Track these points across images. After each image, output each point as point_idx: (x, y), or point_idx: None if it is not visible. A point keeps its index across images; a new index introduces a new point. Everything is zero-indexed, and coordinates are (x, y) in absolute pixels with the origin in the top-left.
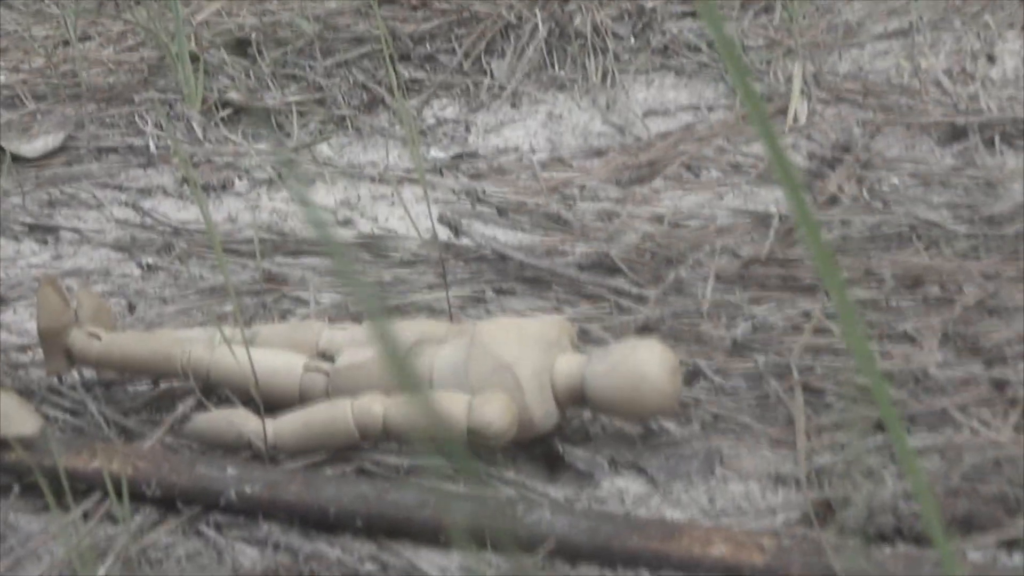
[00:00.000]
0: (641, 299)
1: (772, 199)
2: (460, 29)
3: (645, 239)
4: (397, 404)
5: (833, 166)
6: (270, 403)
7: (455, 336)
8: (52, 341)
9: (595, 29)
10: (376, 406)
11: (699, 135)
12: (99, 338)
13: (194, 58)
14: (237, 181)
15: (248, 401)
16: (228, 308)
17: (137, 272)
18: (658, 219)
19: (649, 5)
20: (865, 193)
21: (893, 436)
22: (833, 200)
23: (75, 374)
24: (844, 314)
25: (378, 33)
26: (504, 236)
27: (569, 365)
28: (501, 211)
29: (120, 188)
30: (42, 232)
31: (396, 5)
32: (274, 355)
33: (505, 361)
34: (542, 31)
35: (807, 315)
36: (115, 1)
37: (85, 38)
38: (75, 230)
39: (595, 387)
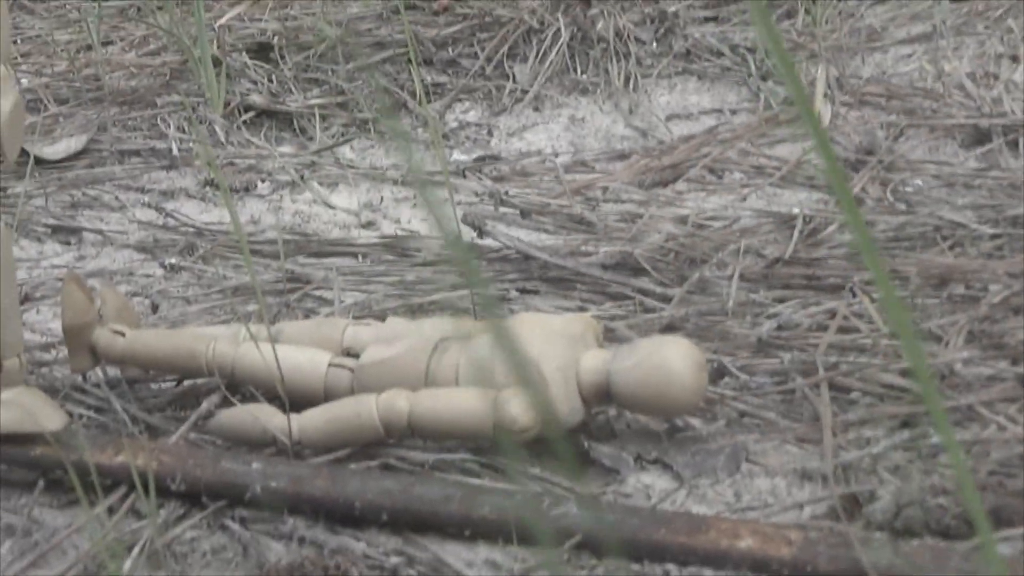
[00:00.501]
0: (665, 298)
1: (795, 200)
2: (482, 33)
3: (669, 239)
4: (422, 399)
5: (857, 168)
6: (295, 399)
7: (480, 333)
8: (76, 338)
9: (617, 34)
10: (401, 401)
11: (722, 138)
12: (123, 335)
13: (216, 62)
14: (260, 184)
15: (273, 398)
16: (252, 307)
17: (160, 272)
18: (681, 220)
19: (671, 10)
20: (889, 195)
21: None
22: (857, 201)
23: (99, 371)
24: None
25: (400, 37)
26: (527, 237)
27: (595, 361)
28: (524, 213)
29: (142, 190)
30: (65, 233)
31: (418, 10)
32: (299, 351)
33: (531, 357)
34: (564, 35)
35: (832, 314)
36: (137, 6)
37: (107, 43)
38: (98, 231)
39: (621, 383)
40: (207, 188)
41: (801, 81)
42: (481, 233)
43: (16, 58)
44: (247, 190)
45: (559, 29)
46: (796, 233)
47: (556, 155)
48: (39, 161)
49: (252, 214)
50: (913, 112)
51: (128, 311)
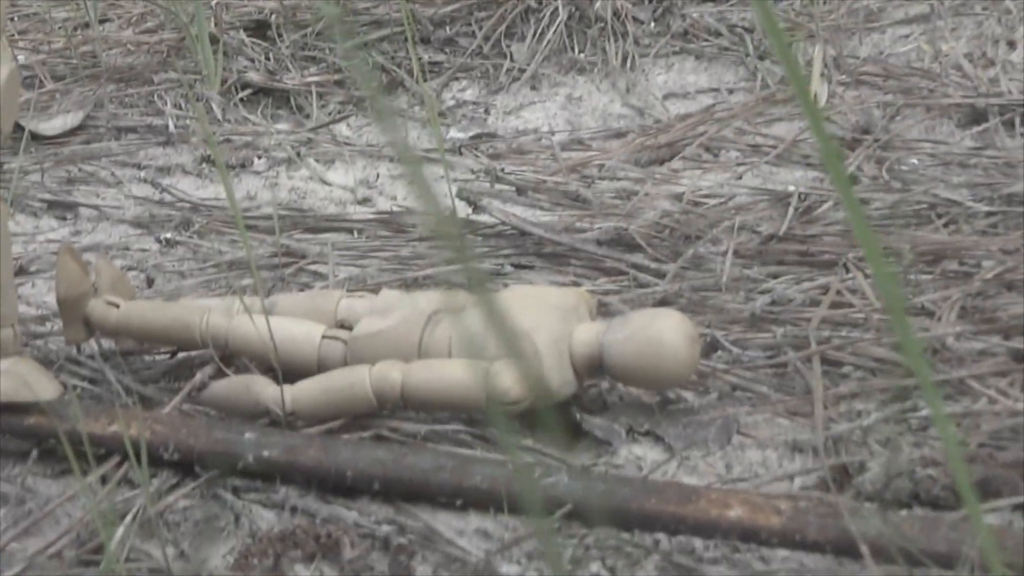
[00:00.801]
0: (660, 274)
1: (791, 179)
2: (480, 12)
3: (664, 216)
4: (415, 371)
5: (853, 147)
6: (288, 371)
7: (473, 306)
8: (71, 310)
9: (615, 13)
10: (394, 373)
11: (718, 117)
12: (117, 307)
13: (214, 40)
14: (256, 160)
15: (267, 370)
16: (247, 281)
17: (155, 247)
18: (677, 197)
19: None
20: (884, 173)
21: (929, 402)
22: (853, 180)
23: (93, 343)
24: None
25: (398, 16)
26: (523, 214)
27: (587, 334)
28: (520, 190)
29: (139, 166)
30: (61, 208)
31: None
32: (293, 323)
33: (524, 329)
34: (562, 14)
35: (825, 289)
36: None
37: (104, 20)
38: (94, 207)
39: (613, 355)
40: (203, 164)
41: (798, 60)
42: (476, 208)
43: (13, 35)
44: (243, 167)
45: (557, 8)
46: (791, 210)
47: (552, 133)
48: (35, 137)
49: (248, 190)
50: (910, 92)
51: (123, 283)
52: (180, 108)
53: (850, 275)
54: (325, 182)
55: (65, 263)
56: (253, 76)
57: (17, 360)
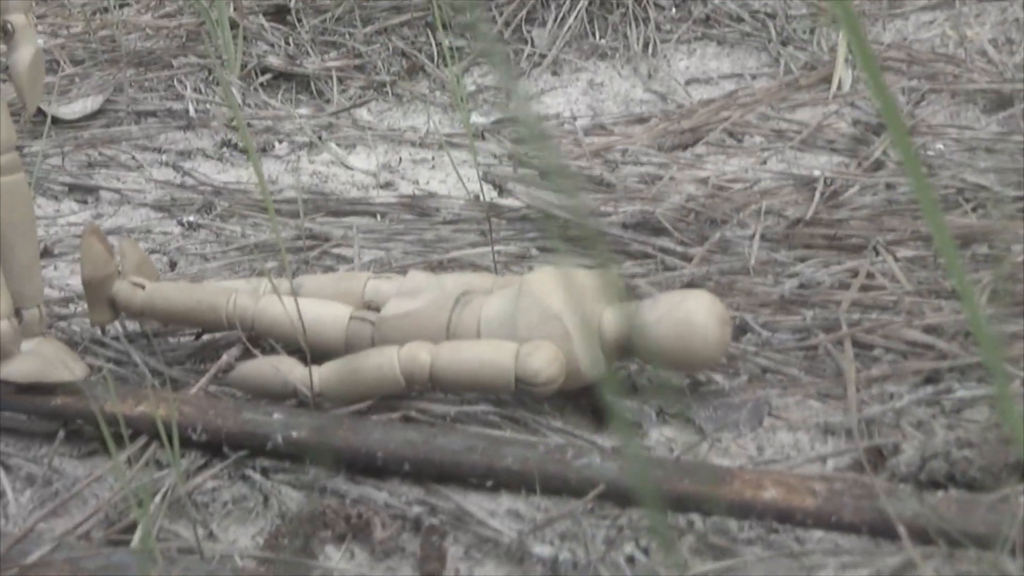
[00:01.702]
0: (687, 257)
1: (816, 164)
2: None
3: (689, 200)
4: (444, 352)
5: (878, 132)
6: (316, 352)
7: (502, 287)
8: (96, 291)
9: (635, 1)
10: (423, 354)
11: (742, 102)
12: (143, 288)
13: (233, 24)
14: (277, 144)
15: (294, 351)
16: (271, 264)
17: (178, 230)
18: (702, 182)
19: None
20: (918, 156)
21: (995, 380)
22: (878, 165)
23: (119, 325)
24: (939, 237)
25: (418, 2)
26: (547, 197)
27: (617, 315)
28: (543, 173)
29: (159, 150)
30: (82, 192)
31: None
32: (320, 304)
33: (553, 311)
34: (584, 2)
35: (854, 272)
36: None
37: (124, 4)
38: (115, 190)
39: (643, 336)
40: (224, 148)
41: (821, 46)
42: (502, 191)
43: (32, 19)
44: (264, 151)
45: None
46: (817, 195)
47: (575, 118)
48: (55, 121)
49: (270, 174)
50: (935, 77)
51: (147, 265)
52: (200, 92)
53: (880, 258)
54: (347, 166)
55: (90, 244)
56: (273, 60)
57: (42, 341)
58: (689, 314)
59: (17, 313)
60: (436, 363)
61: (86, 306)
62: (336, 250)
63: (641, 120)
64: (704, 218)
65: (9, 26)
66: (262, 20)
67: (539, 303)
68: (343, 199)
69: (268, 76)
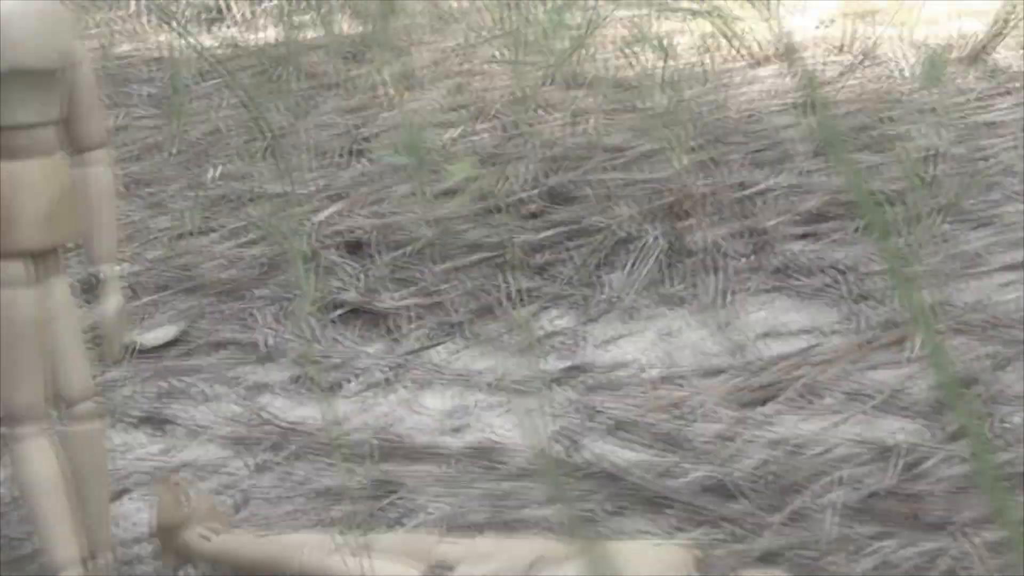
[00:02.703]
0: (760, 526)
1: (893, 428)
2: (574, 240)
3: (763, 464)
4: None
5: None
6: None
7: (578, 556)
8: (167, 537)
9: (711, 247)
10: None
11: (816, 360)
12: (213, 535)
13: (310, 257)
14: (347, 383)
15: None
16: (338, 511)
17: (247, 469)
18: (775, 444)
19: (766, 224)
20: (995, 428)
21: None
22: (956, 435)
23: (190, 570)
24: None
25: (492, 240)
26: (617, 452)
27: None
28: (618, 425)
29: (234, 382)
30: (154, 424)
31: (510, 213)
32: (390, 565)
33: None
34: (655, 246)
35: (935, 555)
36: (234, 199)
37: (204, 231)
38: (187, 424)
39: None
40: (297, 383)
41: (895, 304)
42: (572, 449)
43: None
44: (335, 388)
45: (653, 239)
46: (895, 466)
47: (647, 368)
48: (133, 348)
49: (340, 413)
50: (1017, 342)
51: (218, 513)
52: (276, 324)
53: (962, 541)
54: (418, 408)
55: (163, 494)
56: (348, 296)
57: None
58: None
59: (89, 557)
60: None
61: (157, 549)
62: (406, 500)
63: (714, 373)
64: (778, 485)
65: (99, 276)
66: (338, 253)
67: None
68: (414, 444)
69: (342, 310)
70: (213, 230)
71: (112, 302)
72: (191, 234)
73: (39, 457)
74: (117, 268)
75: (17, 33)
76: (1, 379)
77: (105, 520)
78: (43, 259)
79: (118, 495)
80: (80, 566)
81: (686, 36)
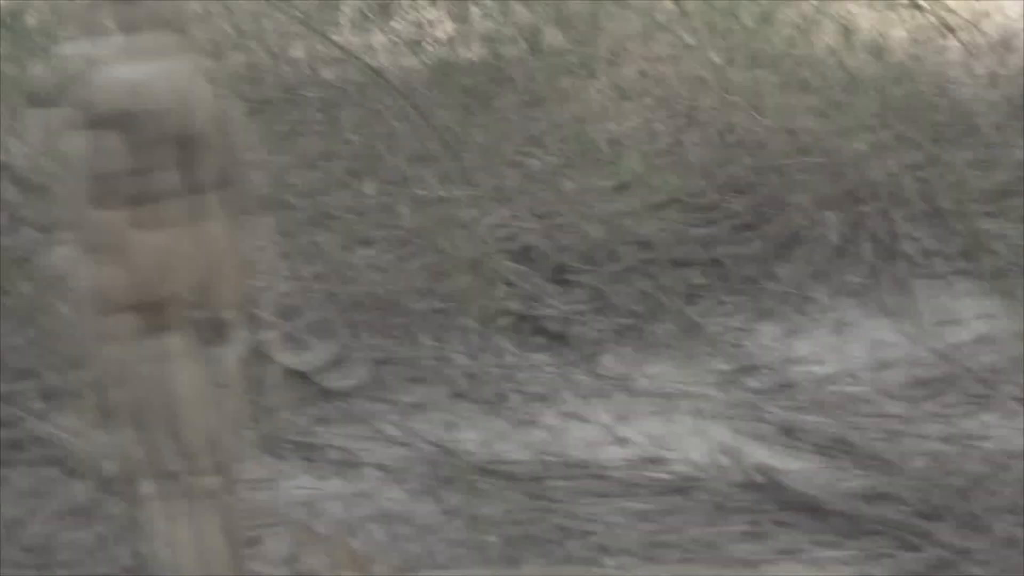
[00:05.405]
0: (930, 536)
1: None
2: (745, 232)
3: (935, 463)
4: None
5: None
6: None
7: None
8: None
9: (888, 232)
10: None
11: (997, 347)
12: None
13: (477, 264)
14: (512, 395)
15: None
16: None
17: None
18: (950, 439)
19: (945, 205)
20: None
21: None
22: None
23: None
24: None
25: (662, 236)
26: (787, 458)
27: None
28: (783, 431)
29: (428, 422)
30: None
31: (682, 204)
32: None
33: None
34: (834, 233)
35: None
36: (396, 208)
37: (366, 243)
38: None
39: None
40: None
41: None
42: (737, 460)
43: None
44: (498, 401)
45: (832, 226)
46: None
47: (820, 364)
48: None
49: (500, 429)
50: None
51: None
52: (439, 341)
53: None
54: (582, 420)
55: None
56: (513, 304)
57: None
58: None
59: None
60: None
61: None
62: (565, 522)
63: (888, 366)
64: (951, 488)
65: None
66: (505, 260)
67: None
68: (575, 461)
69: (510, 318)
70: (375, 242)
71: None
72: (352, 246)
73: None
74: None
75: (151, 102)
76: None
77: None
78: (203, 327)
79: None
80: None
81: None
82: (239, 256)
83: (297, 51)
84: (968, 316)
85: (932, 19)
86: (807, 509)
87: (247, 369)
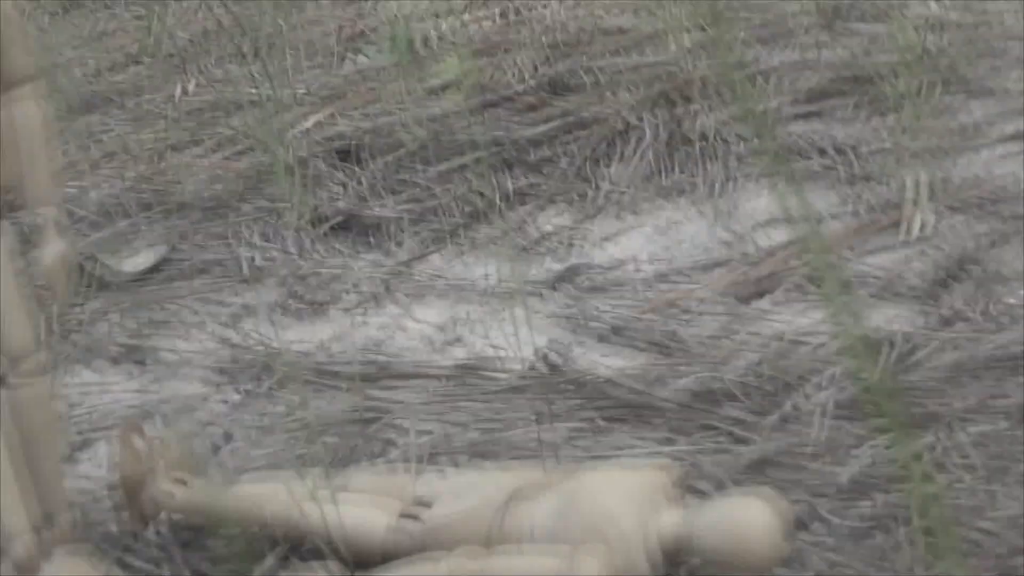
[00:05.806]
0: (754, 429)
1: (890, 316)
2: (572, 133)
3: (759, 362)
4: (494, 564)
5: (959, 279)
6: (361, 555)
7: (555, 487)
8: (131, 492)
9: (711, 133)
10: (472, 565)
11: (816, 247)
12: (180, 488)
13: (301, 165)
14: (344, 296)
15: (339, 550)
16: (328, 440)
17: (234, 398)
18: (771, 341)
19: (770, 105)
20: (991, 308)
21: None
22: (950, 319)
23: (160, 521)
24: None
25: (492, 137)
26: (613, 357)
27: (673, 517)
28: (613, 330)
29: (220, 304)
30: (137, 355)
31: (508, 107)
32: (364, 508)
33: (608, 513)
34: (651, 135)
35: (928, 449)
36: (223, 109)
37: (191, 143)
38: (170, 352)
39: (700, 541)
40: (290, 301)
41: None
42: (561, 365)
43: (97, 160)
44: (329, 302)
45: (654, 127)
46: (887, 357)
47: (644, 263)
48: (116, 274)
49: (334, 330)
50: (1017, 217)
51: (189, 458)
52: (266, 241)
53: (951, 434)
54: (410, 323)
55: (124, 444)
56: (340, 204)
57: (66, 559)
58: (745, 521)
59: (48, 519)
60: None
61: (121, 505)
62: (395, 422)
63: (711, 267)
64: (774, 383)
65: (38, 221)
66: (330, 160)
67: (593, 505)
68: (403, 364)
69: (336, 220)
70: (197, 143)
71: (52, 248)
72: (174, 148)
73: None
74: (54, 211)
75: None
76: None
77: (58, 480)
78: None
79: (84, 444)
80: (32, 533)
81: None
82: (7, 134)
83: None
84: (789, 216)
85: None
86: (638, 406)
87: (64, 271)
